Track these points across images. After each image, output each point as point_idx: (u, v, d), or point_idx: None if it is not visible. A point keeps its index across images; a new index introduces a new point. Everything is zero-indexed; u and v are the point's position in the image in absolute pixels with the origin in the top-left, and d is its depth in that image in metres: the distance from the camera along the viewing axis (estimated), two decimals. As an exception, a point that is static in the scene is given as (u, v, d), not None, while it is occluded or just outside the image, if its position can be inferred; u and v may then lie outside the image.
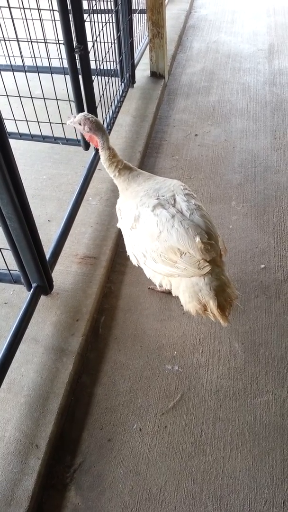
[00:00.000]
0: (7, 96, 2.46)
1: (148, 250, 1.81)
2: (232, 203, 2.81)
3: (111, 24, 2.90)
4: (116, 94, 3.21)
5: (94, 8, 2.48)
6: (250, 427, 1.81)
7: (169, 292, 1.96)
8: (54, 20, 2.23)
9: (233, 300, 1.78)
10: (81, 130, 2.02)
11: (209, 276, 1.72)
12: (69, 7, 2.10)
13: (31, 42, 2.48)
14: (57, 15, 2.11)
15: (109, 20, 2.77)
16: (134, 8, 3.51)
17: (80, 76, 2.39)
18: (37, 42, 2.49)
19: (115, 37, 3.13)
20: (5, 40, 2.70)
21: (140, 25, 4.02)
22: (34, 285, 1.98)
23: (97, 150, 2.71)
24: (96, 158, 2.70)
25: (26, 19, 2.37)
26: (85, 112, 2.04)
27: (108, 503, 1.63)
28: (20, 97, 2.46)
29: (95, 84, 2.57)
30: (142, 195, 1.87)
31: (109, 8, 3.04)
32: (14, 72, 2.50)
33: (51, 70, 2.40)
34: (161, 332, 2.13)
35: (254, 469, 1.69)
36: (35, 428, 1.71)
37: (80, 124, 1.98)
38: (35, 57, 2.54)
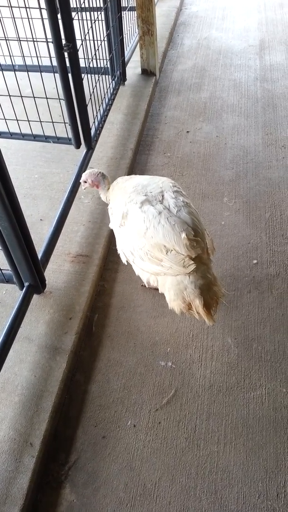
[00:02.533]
0: (-3, 95, 2.45)
1: (135, 248, 1.81)
2: (224, 199, 2.82)
3: (100, 21, 2.89)
4: (107, 91, 3.21)
5: (83, 5, 2.48)
6: (244, 421, 1.82)
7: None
8: (43, 18, 2.22)
9: (219, 298, 1.77)
10: (87, 185, 2.20)
11: (194, 275, 1.71)
12: (57, 5, 2.10)
13: (20, 40, 2.47)
14: (45, 13, 2.10)
15: (98, 17, 2.77)
16: (123, 5, 3.50)
17: (70, 74, 2.38)
18: (26, 40, 2.48)
19: (105, 35, 3.12)
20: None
21: (130, 22, 4.01)
22: (26, 284, 1.98)
23: (88, 149, 2.72)
24: (87, 157, 2.70)
25: (14, 18, 2.36)
26: (90, 170, 2.19)
27: (103, 499, 1.63)
28: (10, 96, 2.46)
29: (85, 82, 2.56)
30: (130, 192, 1.87)
31: (98, 5, 3.03)
32: (4, 71, 2.50)
33: (40, 68, 2.40)
34: (155, 329, 2.14)
35: (247, 463, 1.71)
36: (29, 427, 1.72)
37: (85, 181, 2.17)
38: (24, 56, 2.54)
